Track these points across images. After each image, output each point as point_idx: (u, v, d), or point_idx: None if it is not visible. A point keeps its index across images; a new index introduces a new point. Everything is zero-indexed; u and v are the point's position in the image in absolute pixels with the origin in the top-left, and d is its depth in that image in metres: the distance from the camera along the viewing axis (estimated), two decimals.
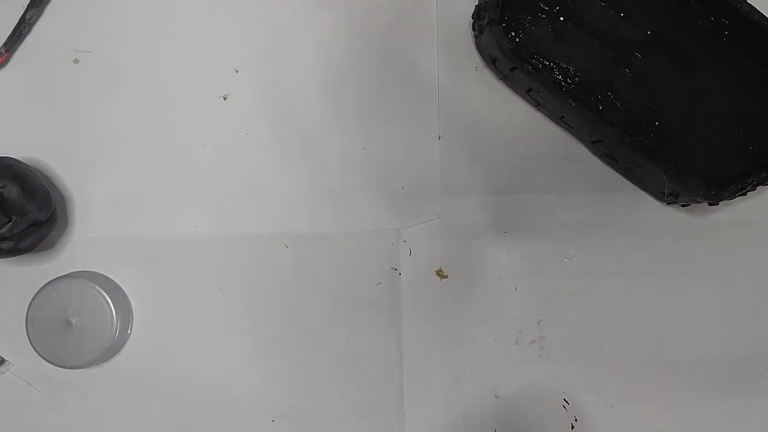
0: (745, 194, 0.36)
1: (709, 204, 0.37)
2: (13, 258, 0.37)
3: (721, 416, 0.40)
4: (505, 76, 0.39)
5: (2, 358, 0.39)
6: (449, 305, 0.40)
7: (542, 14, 0.37)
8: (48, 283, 0.37)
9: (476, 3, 0.39)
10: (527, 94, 0.39)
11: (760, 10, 0.35)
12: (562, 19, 0.38)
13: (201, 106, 0.40)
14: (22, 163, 0.37)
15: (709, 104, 0.37)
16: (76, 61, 0.40)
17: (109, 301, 0.37)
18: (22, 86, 0.40)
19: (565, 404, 0.40)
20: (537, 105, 0.39)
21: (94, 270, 0.39)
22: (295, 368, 0.40)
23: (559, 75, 0.37)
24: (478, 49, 0.40)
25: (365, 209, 0.40)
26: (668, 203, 0.40)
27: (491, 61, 0.39)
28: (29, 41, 0.40)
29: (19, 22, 0.39)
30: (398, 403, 0.39)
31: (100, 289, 0.37)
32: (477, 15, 0.38)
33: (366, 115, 0.40)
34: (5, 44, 0.39)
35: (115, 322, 0.37)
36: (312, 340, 0.40)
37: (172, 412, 0.39)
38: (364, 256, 0.40)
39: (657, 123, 0.37)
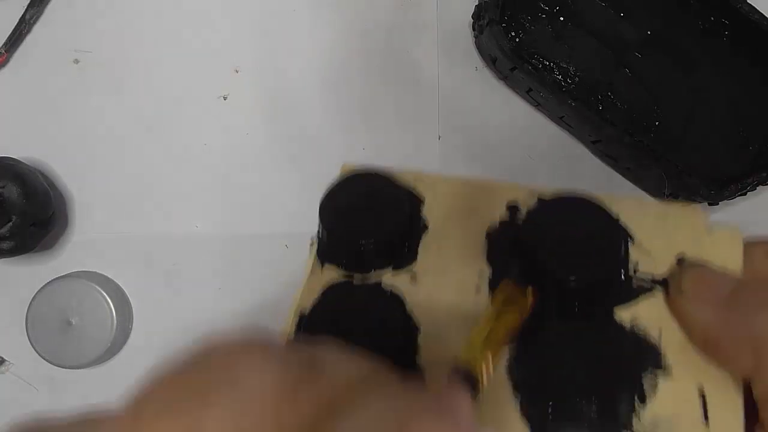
0: (745, 194, 0.36)
1: (709, 204, 0.37)
2: (13, 258, 0.37)
3: None
4: (505, 76, 0.39)
5: (2, 358, 0.39)
6: None
7: (542, 14, 0.37)
8: (48, 283, 0.37)
9: (476, 3, 0.39)
10: (527, 94, 0.39)
11: (760, 10, 0.35)
12: (562, 19, 0.38)
13: (201, 106, 0.40)
14: (22, 163, 0.37)
15: (709, 104, 0.37)
16: (76, 61, 0.40)
17: (109, 301, 0.37)
18: (22, 86, 0.40)
19: None
20: (537, 105, 0.39)
21: (94, 270, 0.39)
22: None
23: (559, 75, 0.37)
24: (478, 49, 0.40)
25: None
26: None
27: (491, 61, 0.39)
28: (29, 41, 0.40)
29: (19, 22, 0.39)
30: None
31: (100, 289, 0.37)
32: (477, 15, 0.38)
33: (366, 115, 0.40)
34: (5, 44, 0.39)
35: (115, 322, 0.37)
36: None
37: None
38: None
39: (657, 123, 0.37)
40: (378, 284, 0.25)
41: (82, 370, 0.39)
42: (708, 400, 0.20)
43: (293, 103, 0.40)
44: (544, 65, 0.37)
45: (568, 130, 0.40)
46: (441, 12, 0.40)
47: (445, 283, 0.25)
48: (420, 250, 0.26)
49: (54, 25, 0.40)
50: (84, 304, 0.37)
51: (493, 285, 0.24)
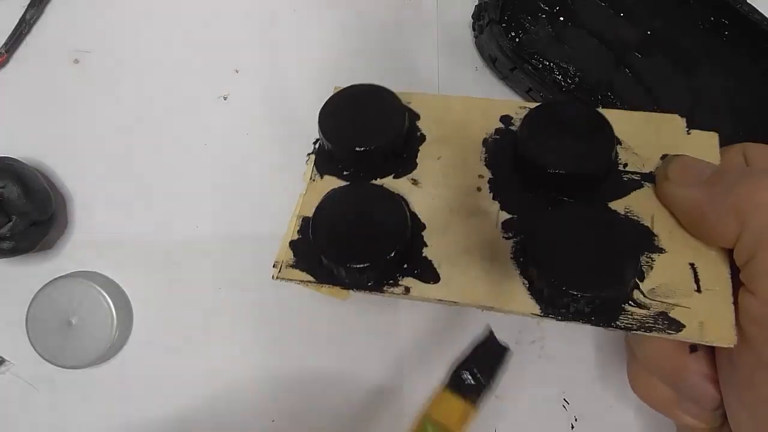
0: None
1: None
2: (13, 258, 0.37)
3: None
4: (505, 76, 0.39)
5: (2, 358, 0.39)
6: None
7: (542, 14, 0.37)
8: (48, 283, 0.37)
9: (476, 3, 0.39)
10: (527, 94, 0.39)
11: (760, 10, 0.35)
12: (562, 19, 0.38)
13: (201, 106, 0.40)
14: (22, 163, 0.37)
15: (709, 104, 0.37)
16: (76, 61, 0.40)
17: (109, 301, 0.37)
18: (22, 86, 0.40)
19: (565, 404, 0.40)
20: None
21: (94, 270, 0.39)
22: (295, 368, 0.40)
23: (559, 75, 0.37)
24: (478, 49, 0.40)
25: None
26: None
27: (491, 61, 0.39)
28: (29, 41, 0.40)
29: (19, 22, 0.39)
30: (398, 403, 0.39)
31: (100, 289, 0.37)
32: (477, 15, 0.38)
33: None
34: (5, 44, 0.39)
35: (115, 322, 0.37)
36: (312, 340, 0.40)
37: (172, 412, 0.39)
38: None
39: None
40: (380, 186, 0.26)
41: (82, 370, 0.39)
42: (698, 271, 0.23)
43: (293, 103, 0.40)
44: (544, 65, 0.37)
45: None
46: (441, 12, 0.40)
47: (447, 186, 0.26)
48: (419, 158, 0.27)
49: (54, 25, 0.40)
50: (84, 304, 0.37)
51: (494, 185, 0.26)
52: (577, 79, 0.37)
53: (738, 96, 0.37)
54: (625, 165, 0.25)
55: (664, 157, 0.25)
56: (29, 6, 0.39)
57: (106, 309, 0.37)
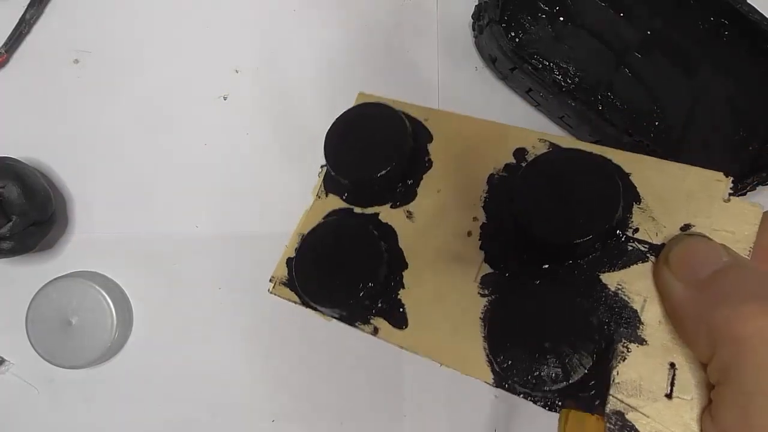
0: (744, 194, 0.36)
1: None
2: (13, 258, 0.37)
3: None
4: (505, 76, 0.39)
5: (2, 358, 0.39)
6: None
7: (542, 14, 0.37)
8: (48, 283, 0.37)
9: (476, 3, 0.39)
10: (527, 94, 0.39)
11: (760, 10, 0.35)
12: (562, 19, 0.38)
13: (201, 106, 0.40)
14: (22, 163, 0.37)
15: (709, 104, 0.37)
16: (76, 61, 0.40)
17: (109, 301, 0.37)
18: (22, 86, 0.40)
19: None
20: (537, 105, 0.39)
21: (94, 270, 0.39)
22: (295, 368, 0.40)
23: (559, 75, 0.37)
24: (478, 49, 0.40)
25: None
26: None
27: (491, 61, 0.39)
28: (29, 41, 0.40)
29: (19, 22, 0.39)
30: (398, 403, 0.40)
31: (100, 289, 0.37)
32: (477, 15, 0.38)
33: None
34: (5, 44, 0.39)
35: (115, 322, 0.37)
36: (312, 340, 0.40)
37: (172, 412, 0.40)
38: None
39: (657, 123, 0.37)
40: (376, 215, 0.26)
41: (82, 370, 0.39)
42: (677, 374, 0.20)
43: (293, 103, 0.40)
44: (544, 65, 0.37)
45: (568, 130, 0.40)
46: (441, 12, 0.40)
47: (439, 225, 0.25)
48: (420, 189, 0.26)
49: (54, 25, 0.40)
50: (84, 304, 0.37)
51: (485, 232, 0.24)
52: (577, 79, 0.37)
53: (738, 96, 0.37)
54: (636, 230, 0.21)
55: (685, 228, 0.21)
56: (29, 6, 0.39)
57: (106, 309, 0.37)
